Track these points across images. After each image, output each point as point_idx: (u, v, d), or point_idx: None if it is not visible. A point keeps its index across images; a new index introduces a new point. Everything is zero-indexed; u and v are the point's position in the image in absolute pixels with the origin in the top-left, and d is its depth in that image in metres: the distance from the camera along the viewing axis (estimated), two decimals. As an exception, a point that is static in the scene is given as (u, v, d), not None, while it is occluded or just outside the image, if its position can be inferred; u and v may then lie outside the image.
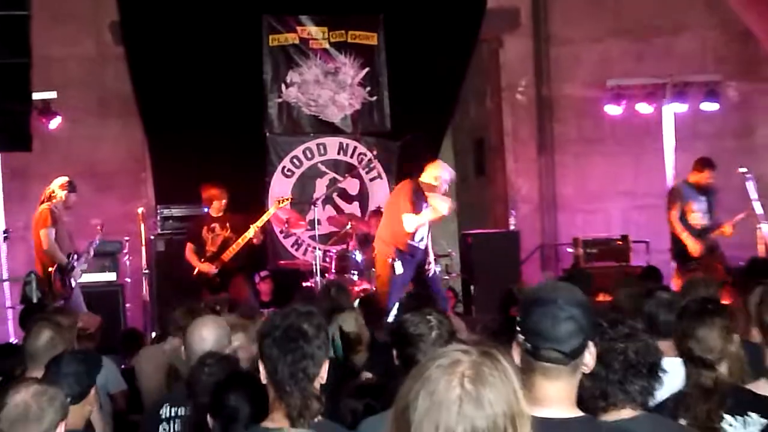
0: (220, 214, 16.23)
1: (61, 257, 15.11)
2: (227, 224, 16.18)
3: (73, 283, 15.17)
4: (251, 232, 16.00)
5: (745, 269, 12.24)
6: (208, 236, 16.17)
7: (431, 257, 15.32)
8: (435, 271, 15.46)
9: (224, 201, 16.22)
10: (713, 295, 8.05)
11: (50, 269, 15.11)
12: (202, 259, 16.07)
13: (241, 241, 16.04)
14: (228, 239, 16.11)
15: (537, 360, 4.16)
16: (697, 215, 16.01)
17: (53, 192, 15.50)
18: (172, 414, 7.07)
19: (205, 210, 16.42)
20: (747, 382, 5.92)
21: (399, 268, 14.72)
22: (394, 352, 6.29)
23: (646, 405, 4.91)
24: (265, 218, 16.45)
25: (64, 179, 15.55)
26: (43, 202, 15.48)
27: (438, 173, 15.00)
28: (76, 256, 15.31)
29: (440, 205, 14.67)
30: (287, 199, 16.96)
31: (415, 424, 3.10)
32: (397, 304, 10.95)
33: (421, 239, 14.91)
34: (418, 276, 15.00)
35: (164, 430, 7.07)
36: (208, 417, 5.88)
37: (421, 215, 14.60)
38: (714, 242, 16.01)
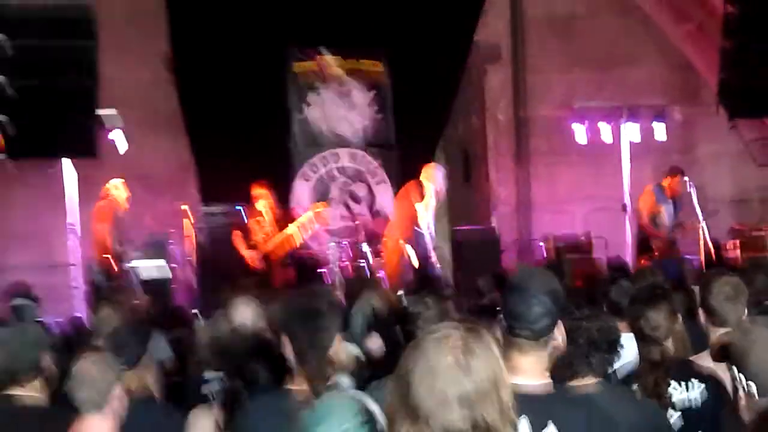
0: (266, 210, 16.26)
1: (114, 246, 15.12)
2: (271, 219, 16.21)
3: (128, 267, 15.20)
4: (291, 229, 16.08)
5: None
6: (255, 227, 16.20)
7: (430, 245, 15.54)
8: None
9: (270, 199, 16.27)
10: (660, 282, 8.03)
11: (105, 256, 15.13)
12: (247, 247, 16.12)
13: (283, 235, 16.14)
14: (271, 232, 16.15)
15: (513, 337, 4.21)
16: (662, 215, 15.98)
17: (109, 191, 15.53)
18: (213, 377, 7.08)
19: (253, 205, 16.38)
20: (689, 356, 5.94)
21: (410, 251, 15.09)
22: (397, 328, 6.30)
23: (605, 374, 4.93)
24: (304, 218, 16.68)
25: (118, 181, 15.59)
26: (100, 200, 15.49)
27: (432, 172, 15.57)
28: (129, 246, 15.35)
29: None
30: (321, 206, 17.10)
31: (413, 387, 3.11)
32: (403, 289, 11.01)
33: (426, 227, 15.13)
34: (422, 260, 15.23)
35: (207, 389, 7.09)
36: (237, 381, 5.90)
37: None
38: (674, 239, 16.02)
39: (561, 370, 4.68)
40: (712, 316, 6.10)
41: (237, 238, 16.24)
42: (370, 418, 3.83)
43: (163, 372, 10.26)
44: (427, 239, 15.42)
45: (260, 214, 16.24)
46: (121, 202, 15.62)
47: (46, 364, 6.13)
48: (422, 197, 15.39)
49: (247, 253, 16.07)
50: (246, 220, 16.33)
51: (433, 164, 16.07)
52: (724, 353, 4.70)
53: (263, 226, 16.22)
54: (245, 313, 7.25)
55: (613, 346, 4.94)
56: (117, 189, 15.62)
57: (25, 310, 10.86)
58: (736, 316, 6.07)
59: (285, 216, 16.42)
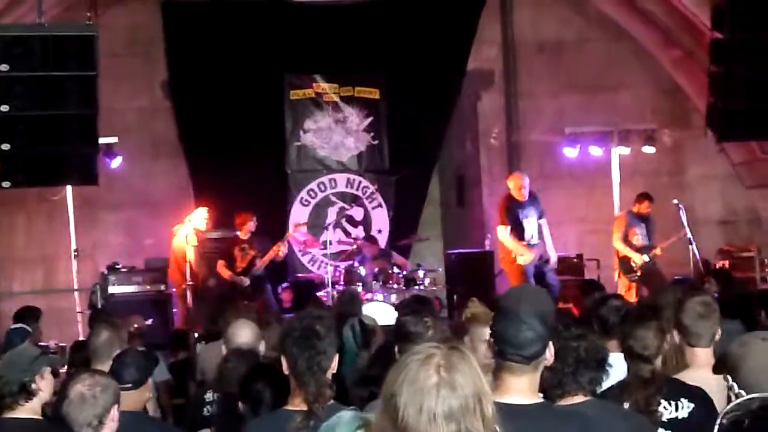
0: (248, 236, 16.31)
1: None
2: (254, 245, 16.26)
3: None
4: (272, 253, 16.22)
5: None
6: (239, 254, 16.26)
7: (550, 254, 16.20)
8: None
9: (253, 226, 16.33)
10: (649, 301, 8.07)
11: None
12: (233, 273, 16.17)
13: (267, 258, 16.17)
14: (254, 257, 16.20)
15: (503, 360, 4.22)
16: (638, 237, 16.25)
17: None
18: (214, 398, 7.13)
19: (237, 233, 16.49)
20: (673, 373, 5.99)
21: (522, 260, 15.69)
22: (395, 348, 6.31)
23: (594, 392, 4.96)
24: (285, 239, 16.82)
25: (200, 210, 16.62)
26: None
27: (518, 182, 15.93)
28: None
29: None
30: (301, 224, 17.21)
31: (401, 408, 3.14)
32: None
33: (531, 238, 15.78)
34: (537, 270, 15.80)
35: (207, 410, 7.14)
36: (239, 402, 5.92)
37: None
38: (652, 259, 16.14)
39: (550, 389, 4.72)
40: (687, 335, 6.15)
41: (220, 266, 16.35)
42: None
43: (166, 393, 10.29)
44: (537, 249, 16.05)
45: (244, 241, 16.30)
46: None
47: (39, 386, 6.15)
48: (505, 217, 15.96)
49: (237, 279, 16.16)
50: (231, 248, 16.44)
51: (515, 173, 16.59)
52: (721, 364, 4.76)
53: (247, 253, 16.27)
54: (244, 336, 7.28)
55: (601, 365, 4.97)
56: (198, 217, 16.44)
57: (16, 335, 10.86)
58: (710, 333, 6.13)
59: (267, 242, 16.45)
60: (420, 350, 3.25)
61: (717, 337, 6.13)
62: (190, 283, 16.20)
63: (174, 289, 16.56)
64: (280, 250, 16.33)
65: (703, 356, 6.06)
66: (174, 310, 16.79)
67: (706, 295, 6.40)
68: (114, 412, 5.50)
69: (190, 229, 16.59)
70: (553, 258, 16.26)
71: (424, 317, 6.38)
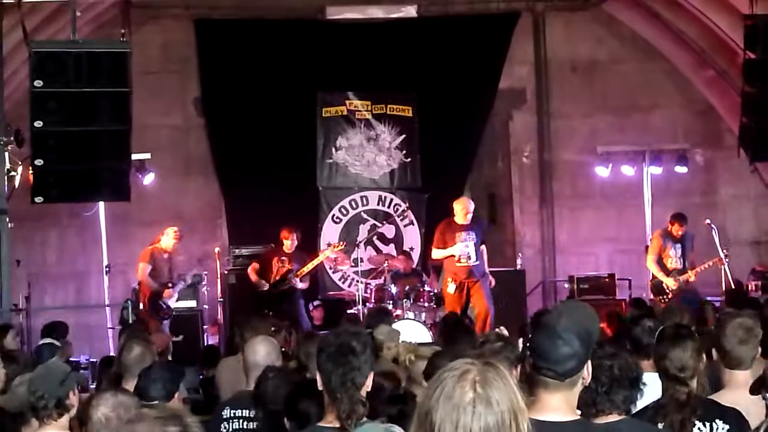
0: (290, 252, 16.29)
1: (150, 285, 15.38)
2: (292, 261, 16.26)
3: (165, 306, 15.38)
4: (307, 268, 16.15)
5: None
6: (277, 265, 16.24)
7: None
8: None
9: (296, 242, 16.30)
10: (687, 321, 7.99)
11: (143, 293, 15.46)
12: (265, 281, 16.21)
13: (299, 273, 16.21)
14: (290, 271, 16.17)
15: (539, 375, 4.13)
16: (672, 259, 16.10)
17: (159, 236, 16.02)
18: (231, 415, 7.11)
19: (280, 245, 16.44)
20: (708, 394, 5.91)
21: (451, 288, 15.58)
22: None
23: (629, 412, 4.88)
24: (321, 258, 16.83)
25: (170, 229, 16.09)
26: (150, 244, 15.93)
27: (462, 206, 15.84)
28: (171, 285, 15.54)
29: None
30: (340, 245, 17.05)
31: (437, 425, 3.12)
32: None
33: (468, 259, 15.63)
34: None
35: (224, 428, 7.09)
36: (285, 420, 5.86)
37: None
38: (686, 281, 16.03)
39: (584, 408, 4.63)
40: (726, 358, 6.07)
41: (251, 269, 16.35)
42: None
43: (191, 409, 10.24)
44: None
45: (285, 254, 16.28)
46: (166, 246, 15.79)
47: (72, 402, 6.11)
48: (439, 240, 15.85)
49: (257, 282, 16.15)
50: (269, 256, 16.41)
51: (460, 199, 16.34)
52: (760, 384, 4.69)
53: (284, 266, 16.24)
54: (261, 353, 7.25)
55: (635, 383, 4.90)
56: (166, 235, 15.93)
57: (45, 350, 10.84)
58: (750, 356, 6.06)
59: (305, 259, 16.43)
60: (456, 366, 3.21)
61: (757, 357, 6.06)
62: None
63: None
64: (303, 278, 16.33)
65: (741, 378, 5.98)
66: (205, 326, 16.79)
67: (748, 318, 6.30)
68: None
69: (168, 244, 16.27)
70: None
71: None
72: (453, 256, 15.66)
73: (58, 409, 6.03)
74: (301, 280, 16.29)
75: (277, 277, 16.23)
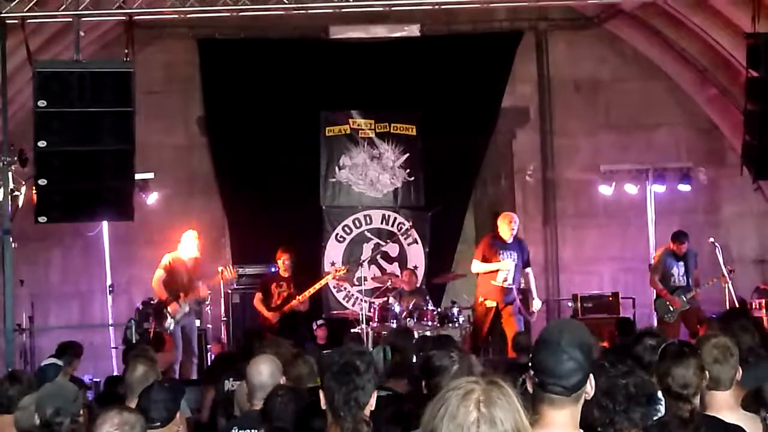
0: (287, 274, 16.22)
1: (162, 292, 15.17)
2: (292, 283, 16.18)
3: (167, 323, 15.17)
4: (308, 292, 16.09)
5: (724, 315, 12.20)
6: (276, 291, 16.16)
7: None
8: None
9: (293, 264, 16.21)
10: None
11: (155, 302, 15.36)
12: (268, 309, 16.06)
13: (301, 298, 16.07)
14: (291, 295, 16.09)
15: (544, 392, 4.11)
16: (674, 278, 16.11)
17: (180, 242, 15.76)
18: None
19: (273, 270, 16.43)
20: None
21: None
22: (423, 382, 6.24)
23: (646, 429, 4.86)
24: (322, 283, 16.71)
25: (185, 234, 15.80)
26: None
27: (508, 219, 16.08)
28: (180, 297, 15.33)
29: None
30: (342, 269, 17.01)
31: None
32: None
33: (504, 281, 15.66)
34: None
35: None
36: None
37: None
38: (691, 299, 16.04)
39: (603, 427, 4.62)
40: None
41: (257, 300, 16.25)
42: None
43: (194, 428, 10.20)
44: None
45: (282, 278, 16.20)
46: (184, 252, 15.60)
47: (84, 419, 6.13)
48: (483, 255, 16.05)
49: (268, 315, 16.02)
50: (268, 282, 16.33)
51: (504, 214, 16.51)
52: (754, 399, 4.67)
53: (284, 290, 16.16)
54: (264, 373, 7.23)
55: (651, 400, 4.87)
56: (184, 241, 15.75)
57: (50, 369, 10.83)
58: (728, 377, 5.98)
59: (305, 281, 16.34)
60: (459, 385, 3.18)
61: (738, 378, 6.01)
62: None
63: None
64: (303, 301, 16.22)
65: (720, 398, 5.94)
66: (209, 345, 16.76)
67: (723, 338, 6.24)
68: None
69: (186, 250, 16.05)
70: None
71: (450, 351, 6.31)
72: (493, 272, 15.68)
73: (73, 425, 6.05)
74: (300, 302, 16.22)
75: (279, 302, 16.17)
